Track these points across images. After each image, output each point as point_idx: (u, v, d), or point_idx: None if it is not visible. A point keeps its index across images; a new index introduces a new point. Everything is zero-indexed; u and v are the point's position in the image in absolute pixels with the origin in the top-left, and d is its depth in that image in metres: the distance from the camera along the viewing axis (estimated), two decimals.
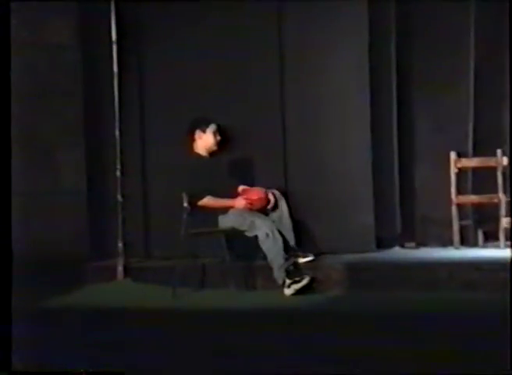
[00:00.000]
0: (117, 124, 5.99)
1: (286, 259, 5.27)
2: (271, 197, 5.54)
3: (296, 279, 5.20)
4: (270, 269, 5.35)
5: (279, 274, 5.27)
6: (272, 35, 5.94)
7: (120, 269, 5.89)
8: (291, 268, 5.26)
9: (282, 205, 5.60)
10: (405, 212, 6.18)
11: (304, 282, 5.19)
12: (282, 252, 5.27)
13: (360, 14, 5.78)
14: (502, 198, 5.87)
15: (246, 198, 5.48)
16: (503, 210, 5.85)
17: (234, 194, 5.58)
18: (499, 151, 5.93)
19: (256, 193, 5.55)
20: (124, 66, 6.03)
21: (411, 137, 6.24)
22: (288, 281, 5.21)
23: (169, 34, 6.09)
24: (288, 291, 5.23)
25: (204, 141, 5.65)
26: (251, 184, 5.73)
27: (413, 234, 6.21)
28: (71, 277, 5.62)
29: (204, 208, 5.42)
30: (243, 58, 5.96)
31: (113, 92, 5.98)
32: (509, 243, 5.73)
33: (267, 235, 5.29)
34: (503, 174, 5.90)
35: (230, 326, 4.46)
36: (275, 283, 5.31)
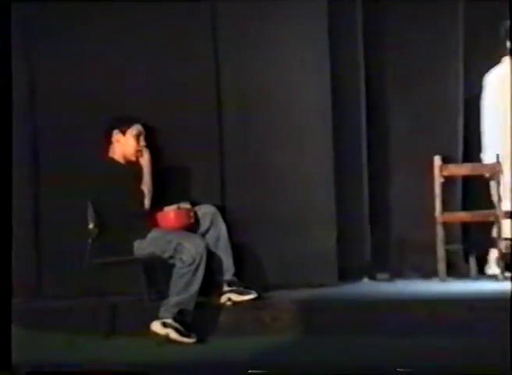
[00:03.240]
0: None
1: (189, 303, 5.06)
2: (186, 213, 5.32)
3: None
4: (208, 311, 5.18)
5: (166, 313, 5.04)
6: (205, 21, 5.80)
7: None
8: (187, 320, 5.03)
9: (219, 222, 5.41)
10: (376, 235, 6.04)
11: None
12: (193, 293, 5.05)
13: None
14: (499, 214, 5.74)
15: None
16: (501, 231, 5.73)
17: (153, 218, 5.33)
18: (494, 156, 5.82)
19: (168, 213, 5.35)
20: None
21: (384, 139, 6.14)
22: (170, 330, 5.01)
23: None
24: (158, 327, 5.04)
25: (123, 146, 5.42)
26: (177, 201, 5.44)
27: (386, 263, 6.09)
28: None
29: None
30: (173, 52, 5.79)
31: None
32: (509, 274, 5.67)
33: (193, 261, 5.03)
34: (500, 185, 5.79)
35: None
36: (213, 330, 5.13)
